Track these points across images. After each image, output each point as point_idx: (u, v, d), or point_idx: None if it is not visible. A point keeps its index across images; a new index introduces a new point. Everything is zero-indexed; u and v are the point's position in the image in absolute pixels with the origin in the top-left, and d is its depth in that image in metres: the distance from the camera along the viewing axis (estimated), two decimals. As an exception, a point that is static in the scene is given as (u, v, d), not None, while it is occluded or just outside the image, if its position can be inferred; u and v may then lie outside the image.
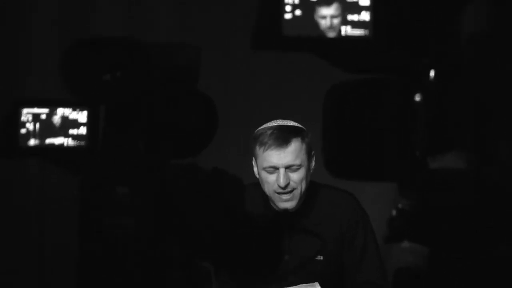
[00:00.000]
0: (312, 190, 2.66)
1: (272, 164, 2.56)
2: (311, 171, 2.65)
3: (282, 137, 2.58)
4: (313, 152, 2.61)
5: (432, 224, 2.80)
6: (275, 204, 2.62)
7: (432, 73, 2.72)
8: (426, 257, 2.92)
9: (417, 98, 2.74)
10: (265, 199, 2.62)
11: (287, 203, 2.57)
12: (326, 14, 2.36)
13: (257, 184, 2.65)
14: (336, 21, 2.39)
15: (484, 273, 2.72)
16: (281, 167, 2.57)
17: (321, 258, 2.65)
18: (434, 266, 2.84)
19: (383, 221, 2.89)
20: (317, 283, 2.55)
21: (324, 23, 2.38)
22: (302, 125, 2.72)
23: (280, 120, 2.66)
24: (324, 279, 2.62)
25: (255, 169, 2.63)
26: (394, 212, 2.92)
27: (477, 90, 2.81)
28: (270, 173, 2.57)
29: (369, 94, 2.68)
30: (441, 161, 2.84)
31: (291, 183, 2.57)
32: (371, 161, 2.65)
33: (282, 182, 2.55)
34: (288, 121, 2.67)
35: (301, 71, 3.51)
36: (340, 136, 2.55)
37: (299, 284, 2.60)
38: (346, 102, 2.60)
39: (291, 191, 2.56)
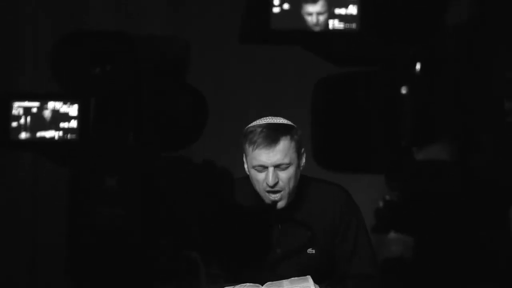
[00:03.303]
0: (303, 184, 2.68)
1: (261, 163, 2.58)
2: (301, 168, 2.66)
3: (271, 136, 2.60)
4: (303, 150, 2.62)
5: (418, 215, 2.83)
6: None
7: (418, 66, 2.74)
8: (412, 247, 2.95)
9: (404, 90, 2.76)
10: (256, 192, 2.64)
11: (277, 203, 2.60)
12: (312, 11, 2.37)
13: (247, 177, 2.66)
14: (322, 18, 2.40)
15: (469, 260, 2.75)
16: (270, 166, 2.58)
17: (313, 251, 2.67)
18: (420, 256, 2.86)
19: (370, 212, 2.92)
20: (309, 276, 2.57)
21: (310, 20, 2.40)
22: (291, 118, 2.73)
23: (270, 117, 2.67)
24: (317, 272, 2.64)
25: (245, 166, 2.65)
26: (381, 204, 2.95)
27: (463, 83, 2.83)
28: (259, 171, 2.59)
29: (356, 87, 2.69)
30: (426, 152, 2.86)
31: (280, 183, 2.59)
32: (358, 153, 2.67)
33: (270, 181, 2.57)
34: (278, 118, 2.68)
35: (290, 64, 3.53)
36: (329, 128, 2.56)
37: (291, 277, 2.62)
38: (334, 95, 2.61)
39: (280, 191, 2.58)
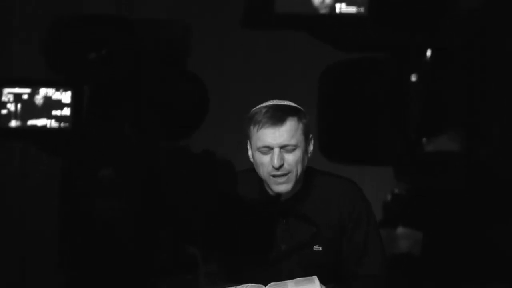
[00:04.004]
0: (311, 176, 2.55)
1: (266, 144, 2.46)
2: (309, 155, 2.54)
3: (277, 116, 2.48)
4: (311, 136, 2.49)
5: (428, 209, 2.74)
6: (270, 188, 2.52)
7: (428, 52, 2.65)
8: (420, 242, 2.85)
9: (413, 78, 2.67)
10: (260, 184, 2.52)
11: (281, 186, 2.47)
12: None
13: (251, 170, 2.54)
14: (329, 0, 2.32)
15: (480, 257, 2.67)
16: (275, 147, 2.46)
17: (320, 248, 2.55)
18: (429, 252, 2.77)
19: (378, 206, 2.82)
20: (315, 276, 2.46)
21: (317, 1, 2.30)
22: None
23: (277, 100, 2.56)
24: (323, 271, 2.52)
25: (249, 152, 2.53)
26: (389, 197, 2.85)
27: (473, 70, 2.75)
28: (264, 153, 2.47)
29: (364, 75, 2.60)
30: (436, 143, 2.77)
31: (286, 165, 2.46)
32: (366, 144, 2.58)
33: (276, 163, 2.44)
34: (285, 101, 2.57)
35: (295, 50, 3.43)
36: (335, 118, 2.47)
37: (297, 277, 2.51)
38: (341, 83, 2.52)
39: (286, 174, 2.46)
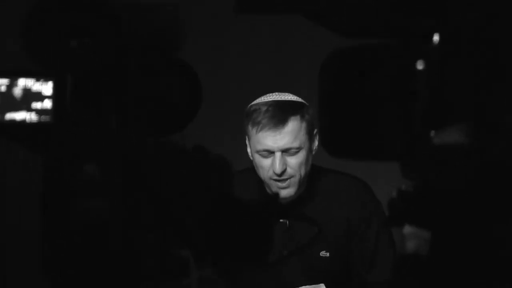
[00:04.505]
0: (316, 175, 2.37)
1: (266, 148, 2.27)
2: (313, 152, 2.36)
3: (278, 116, 2.28)
4: (315, 131, 2.31)
5: (436, 206, 2.60)
6: (270, 189, 2.35)
7: (436, 37, 2.51)
8: (428, 241, 2.72)
9: (419, 66, 2.54)
10: (260, 184, 2.34)
11: (284, 190, 2.29)
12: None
13: (250, 169, 2.36)
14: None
15: (491, 257, 2.54)
16: (277, 150, 2.27)
17: (327, 254, 2.38)
18: (437, 252, 2.64)
19: (383, 204, 2.67)
20: (323, 284, 2.29)
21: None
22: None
23: (277, 93, 2.36)
24: (331, 278, 2.35)
25: (248, 149, 2.35)
26: (394, 194, 2.71)
27: (482, 56, 2.62)
28: (264, 157, 2.28)
29: (368, 63, 2.47)
30: (444, 136, 2.64)
31: (288, 170, 2.28)
32: (370, 137, 2.44)
33: (278, 169, 2.26)
34: (286, 94, 2.37)
35: (293, 37, 3.27)
36: (337, 110, 2.31)
37: (303, 285, 2.33)
38: (343, 72, 2.37)
39: (287, 179, 2.28)
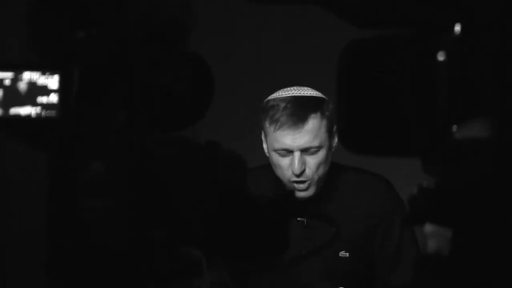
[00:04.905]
0: (335, 172, 2.28)
1: (285, 147, 2.18)
2: (333, 149, 2.27)
3: (298, 114, 2.19)
4: (335, 128, 2.21)
5: (459, 204, 2.51)
6: (287, 187, 2.25)
7: (457, 28, 2.42)
8: (450, 241, 2.63)
9: (441, 57, 2.45)
10: (276, 181, 2.24)
11: (302, 192, 2.21)
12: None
13: (266, 166, 2.26)
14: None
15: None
16: (296, 150, 2.18)
17: (347, 255, 2.29)
18: (459, 251, 2.54)
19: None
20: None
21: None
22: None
23: (296, 87, 2.25)
24: (351, 280, 2.26)
25: (264, 145, 2.25)
26: (415, 191, 2.62)
27: (507, 48, 2.51)
28: (283, 156, 2.19)
29: (387, 54, 2.37)
30: (468, 129, 2.55)
31: (307, 170, 2.19)
32: (390, 132, 2.35)
33: (296, 169, 2.17)
34: (305, 88, 2.26)
35: (309, 28, 3.15)
36: (355, 103, 2.22)
37: None
38: (362, 64, 2.27)
39: (306, 181, 2.18)
